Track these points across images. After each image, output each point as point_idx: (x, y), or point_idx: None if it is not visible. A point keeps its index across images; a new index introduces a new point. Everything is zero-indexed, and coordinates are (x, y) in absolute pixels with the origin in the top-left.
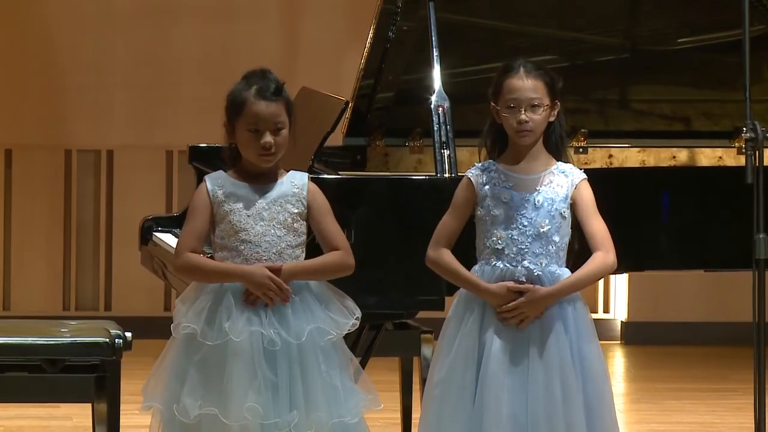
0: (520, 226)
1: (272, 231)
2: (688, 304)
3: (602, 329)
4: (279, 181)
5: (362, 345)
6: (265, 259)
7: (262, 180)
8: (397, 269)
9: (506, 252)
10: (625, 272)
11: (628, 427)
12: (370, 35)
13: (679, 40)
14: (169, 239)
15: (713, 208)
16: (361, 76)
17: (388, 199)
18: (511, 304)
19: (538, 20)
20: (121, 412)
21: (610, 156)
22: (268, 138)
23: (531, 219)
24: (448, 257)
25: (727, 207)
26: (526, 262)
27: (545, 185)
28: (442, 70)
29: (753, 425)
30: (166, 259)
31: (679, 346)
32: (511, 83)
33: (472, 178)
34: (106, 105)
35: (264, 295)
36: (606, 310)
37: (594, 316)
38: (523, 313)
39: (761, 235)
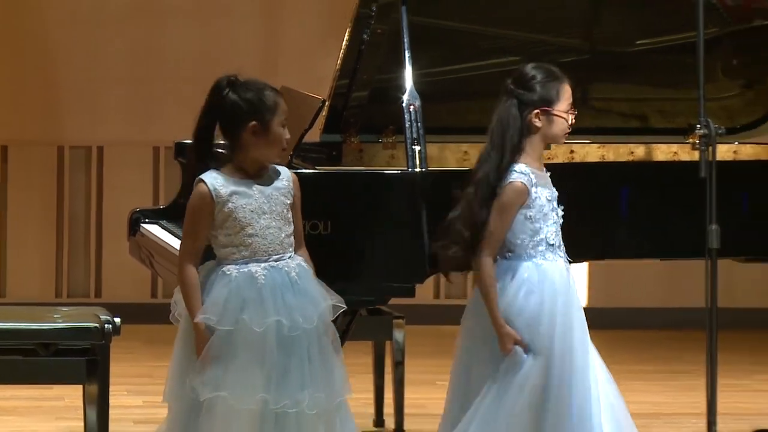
0: (558, 221)
1: (273, 223)
2: (644, 291)
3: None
4: (268, 175)
5: (338, 330)
6: (271, 251)
7: (256, 176)
8: (372, 259)
9: (557, 245)
10: (588, 261)
11: None
12: (346, 37)
13: (636, 42)
14: (156, 230)
15: (669, 201)
16: (337, 76)
17: (363, 193)
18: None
19: (503, 23)
20: (110, 392)
21: (572, 151)
22: (288, 134)
23: (558, 214)
24: (493, 271)
25: (682, 200)
26: (562, 253)
27: (550, 182)
28: (413, 71)
29: (704, 404)
30: (153, 249)
31: (636, 331)
32: (567, 88)
33: (524, 182)
34: (97, 103)
35: (198, 354)
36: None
37: None
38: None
39: (713, 226)
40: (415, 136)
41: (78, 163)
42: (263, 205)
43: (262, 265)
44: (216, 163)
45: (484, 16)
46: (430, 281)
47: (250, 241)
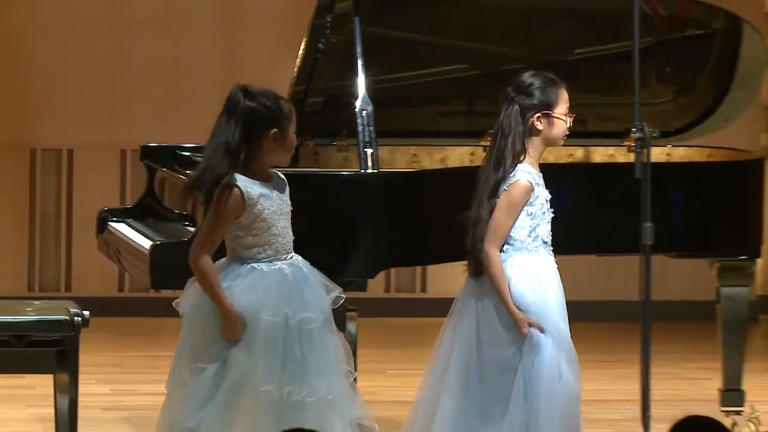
0: (550, 219)
1: (287, 224)
2: (581, 285)
3: None
4: (276, 180)
5: None
6: (287, 249)
7: (269, 179)
8: (327, 254)
9: (548, 243)
10: None
11: None
12: (302, 47)
13: (575, 51)
14: (123, 228)
15: (606, 200)
16: (294, 83)
17: (319, 192)
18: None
19: (451, 33)
20: (79, 381)
21: None
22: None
23: (550, 214)
24: (501, 262)
25: (618, 199)
26: (551, 251)
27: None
28: (366, 78)
29: (638, 391)
30: (120, 246)
31: (572, 323)
32: (564, 92)
33: (530, 181)
34: (67, 108)
35: (230, 338)
36: None
37: None
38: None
39: (648, 224)
40: (367, 139)
41: (49, 165)
42: (281, 207)
43: (285, 262)
44: (186, 166)
45: (433, 27)
46: (380, 276)
47: (274, 240)
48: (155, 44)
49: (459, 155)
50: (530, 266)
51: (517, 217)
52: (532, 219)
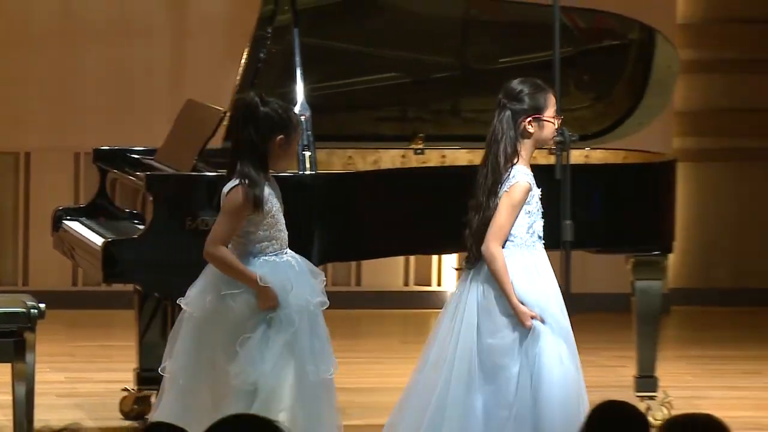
0: (542, 216)
1: (284, 221)
2: None
3: (436, 300)
4: (272, 181)
5: None
6: (287, 243)
7: (269, 180)
8: None
9: (542, 237)
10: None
11: None
12: (245, 56)
13: (500, 60)
14: (77, 226)
15: None
16: (237, 90)
17: None
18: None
19: (384, 43)
20: (35, 370)
21: (443, 156)
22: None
23: (541, 208)
24: (503, 258)
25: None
26: (542, 244)
27: None
28: (304, 85)
29: None
30: (74, 243)
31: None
32: (551, 96)
33: (530, 182)
34: (24, 114)
35: (270, 307)
36: (439, 283)
37: (428, 288)
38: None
39: (568, 222)
40: (306, 142)
41: (7, 168)
42: (280, 205)
43: (289, 254)
44: (136, 168)
45: (368, 38)
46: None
47: (279, 235)
48: (108, 54)
49: (391, 157)
50: (529, 261)
51: (517, 216)
52: (529, 216)
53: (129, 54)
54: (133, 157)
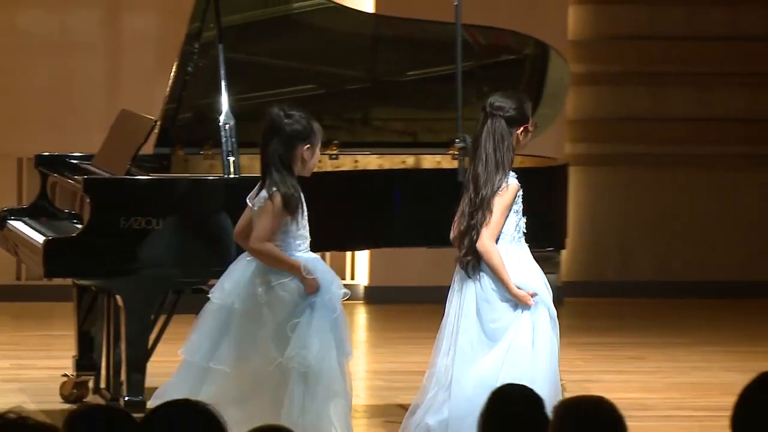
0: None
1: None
2: (417, 271)
3: (354, 292)
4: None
5: (168, 305)
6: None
7: None
8: (196, 248)
9: (525, 233)
10: (367, 249)
11: (369, 365)
12: (174, 69)
13: (408, 73)
14: (20, 226)
15: (431, 200)
16: (167, 100)
17: (189, 194)
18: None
19: (301, 58)
20: None
21: (356, 161)
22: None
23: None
24: (499, 252)
25: (443, 199)
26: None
27: None
28: (229, 96)
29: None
30: (18, 241)
31: (410, 305)
32: (529, 107)
33: (518, 184)
34: None
35: (314, 291)
36: (352, 277)
37: (344, 282)
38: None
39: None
40: (230, 149)
41: None
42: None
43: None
44: (75, 172)
45: (286, 53)
46: None
47: (307, 234)
48: (49, 65)
49: None
50: (520, 254)
51: (508, 215)
52: (517, 215)
53: (69, 67)
54: (72, 162)
